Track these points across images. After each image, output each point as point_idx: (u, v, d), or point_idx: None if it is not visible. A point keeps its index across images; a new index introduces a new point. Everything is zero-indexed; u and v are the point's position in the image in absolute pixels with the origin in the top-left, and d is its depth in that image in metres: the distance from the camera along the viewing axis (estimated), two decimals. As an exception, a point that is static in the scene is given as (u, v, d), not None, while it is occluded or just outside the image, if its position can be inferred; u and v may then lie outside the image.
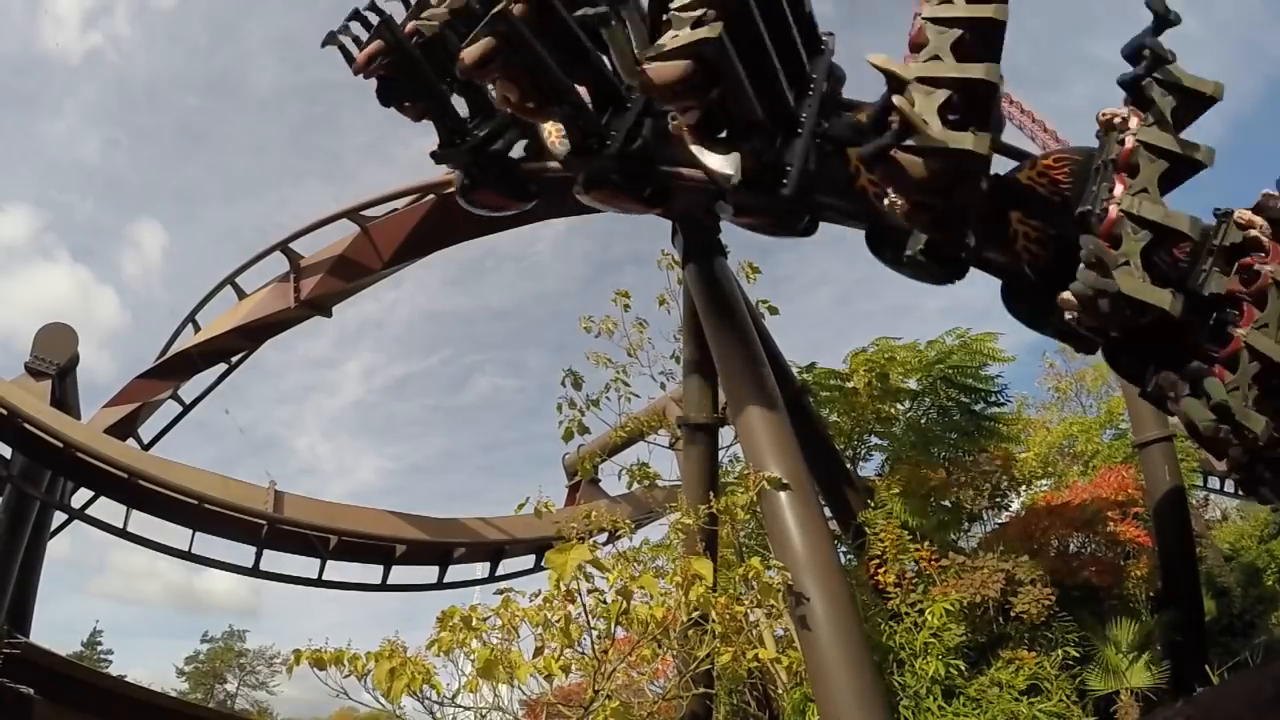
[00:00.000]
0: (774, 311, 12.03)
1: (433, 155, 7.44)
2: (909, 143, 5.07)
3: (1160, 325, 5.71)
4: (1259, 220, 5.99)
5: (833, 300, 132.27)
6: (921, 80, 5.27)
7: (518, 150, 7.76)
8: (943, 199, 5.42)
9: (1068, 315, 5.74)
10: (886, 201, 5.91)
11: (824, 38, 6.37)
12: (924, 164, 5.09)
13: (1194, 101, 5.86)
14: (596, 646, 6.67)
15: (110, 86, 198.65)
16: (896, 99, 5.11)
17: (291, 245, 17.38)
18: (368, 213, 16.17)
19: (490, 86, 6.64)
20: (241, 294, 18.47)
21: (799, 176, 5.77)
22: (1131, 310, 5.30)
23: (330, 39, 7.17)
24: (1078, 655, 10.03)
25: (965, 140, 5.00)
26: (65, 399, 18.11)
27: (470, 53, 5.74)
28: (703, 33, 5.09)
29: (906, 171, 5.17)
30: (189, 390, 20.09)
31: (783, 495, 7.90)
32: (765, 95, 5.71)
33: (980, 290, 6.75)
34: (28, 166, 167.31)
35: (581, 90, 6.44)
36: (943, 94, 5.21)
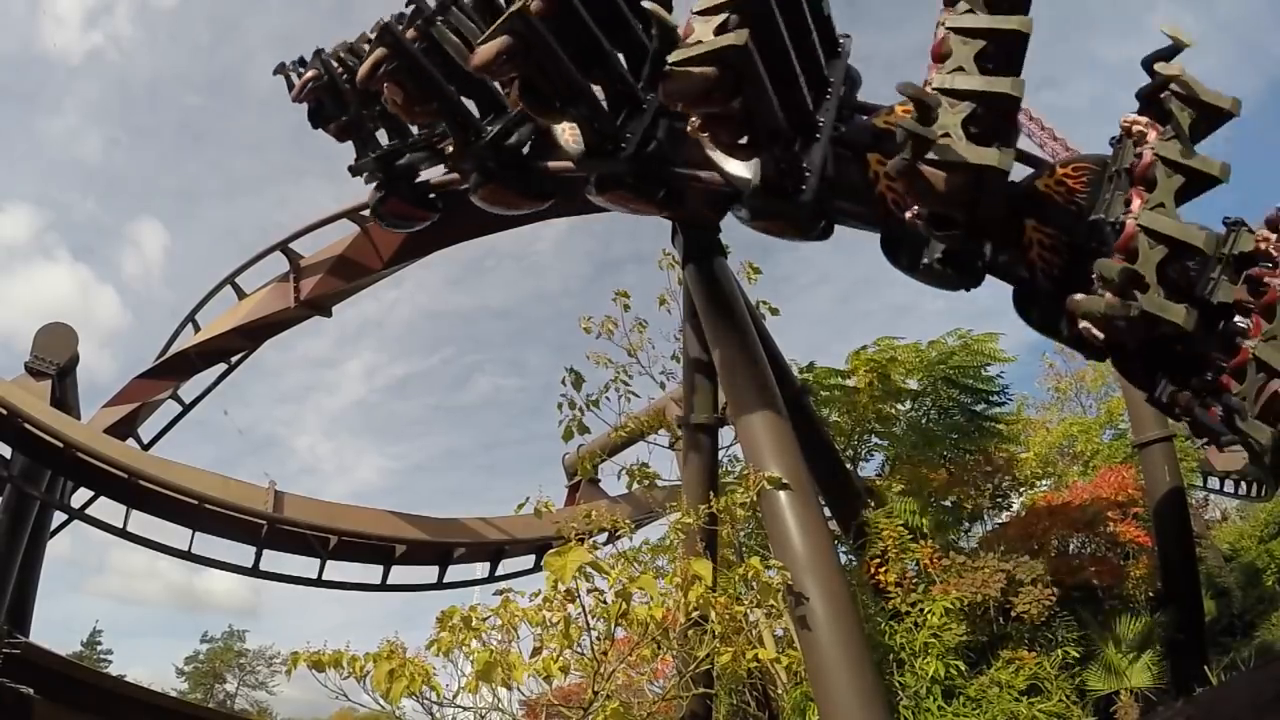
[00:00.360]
0: (774, 312, 12.03)
1: (349, 168, 8.38)
2: (677, 56, 5.56)
3: (1070, 262, 5.78)
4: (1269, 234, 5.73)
5: (833, 300, 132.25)
6: (701, 12, 5.92)
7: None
8: (735, 106, 5.80)
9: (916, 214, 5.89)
10: (689, 126, 6.26)
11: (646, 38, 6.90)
12: (695, 73, 5.53)
13: None
14: (596, 647, 6.66)
15: (111, 85, 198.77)
16: (651, 5, 5.85)
17: (291, 245, 17.43)
18: (368, 213, 16.16)
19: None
20: (241, 294, 18.51)
21: (638, 143, 6.37)
22: (965, 179, 5.35)
23: (280, 69, 8.53)
24: (1078, 655, 10.03)
25: (726, 38, 5.49)
26: (65, 399, 18.12)
27: (364, 66, 6.93)
28: (511, 10, 5.57)
29: (674, 83, 5.60)
30: (189, 390, 20.17)
31: (783, 495, 7.89)
32: (595, 73, 6.20)
33: (982, 290, 6.71)
34: (28, 166, 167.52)
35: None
36: (719, 18, 5.74)
